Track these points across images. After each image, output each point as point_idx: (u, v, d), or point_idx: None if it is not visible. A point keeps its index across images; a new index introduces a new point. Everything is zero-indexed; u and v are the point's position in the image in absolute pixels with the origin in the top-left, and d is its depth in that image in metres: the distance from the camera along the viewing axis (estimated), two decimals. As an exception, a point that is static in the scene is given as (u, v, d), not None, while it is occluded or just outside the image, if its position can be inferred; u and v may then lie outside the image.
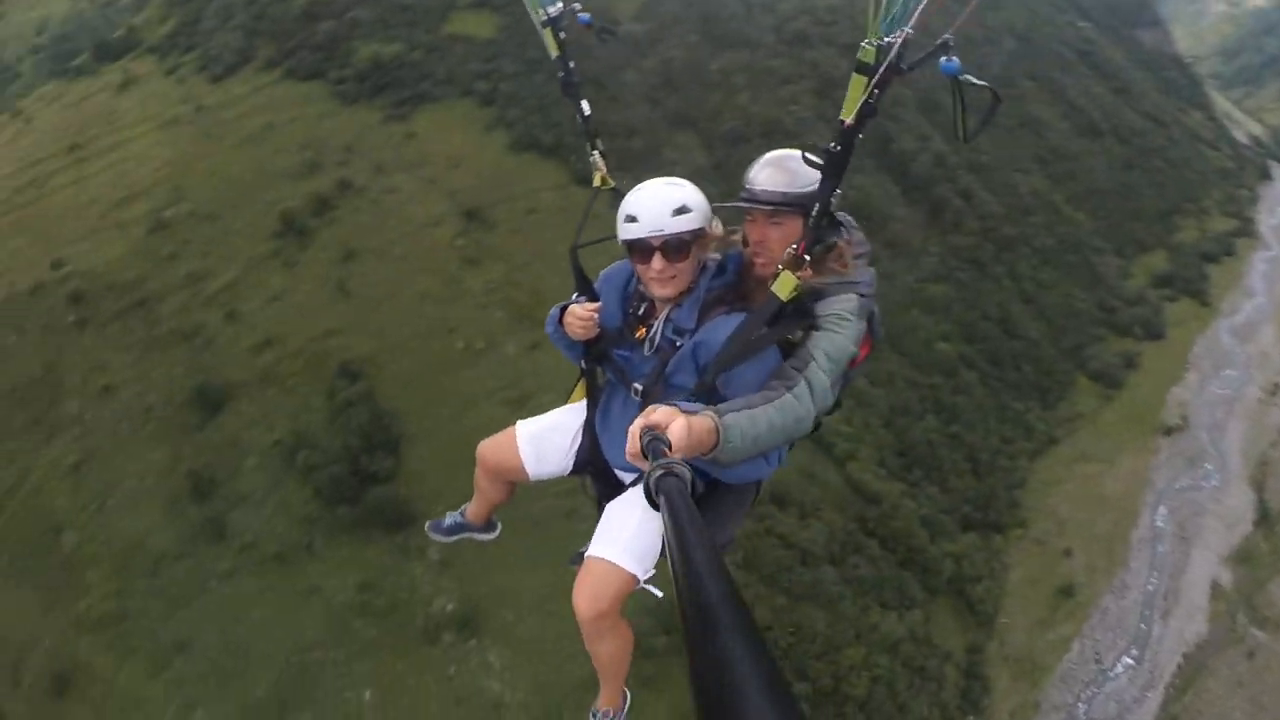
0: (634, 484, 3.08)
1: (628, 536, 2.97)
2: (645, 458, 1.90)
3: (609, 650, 3.21)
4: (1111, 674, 50.37)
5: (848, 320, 2.87)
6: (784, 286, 2.69)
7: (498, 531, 4.42)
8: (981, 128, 2.34)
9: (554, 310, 3.23)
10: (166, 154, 62.50)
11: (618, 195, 3.10)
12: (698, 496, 2.74)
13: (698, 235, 2.95)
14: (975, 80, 2.32)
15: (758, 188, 3.02)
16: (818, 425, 2.92)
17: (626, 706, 3.61)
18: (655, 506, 1.40)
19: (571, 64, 3.42)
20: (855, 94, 2.44)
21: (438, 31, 71.91)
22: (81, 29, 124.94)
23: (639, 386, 2.96)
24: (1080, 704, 48.72)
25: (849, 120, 2.45)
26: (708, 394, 2.82)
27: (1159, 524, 58.76)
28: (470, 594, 40.40)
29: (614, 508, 3.13)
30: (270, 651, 39.29)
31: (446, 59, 68.74)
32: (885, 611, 45.85)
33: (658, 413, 2.15)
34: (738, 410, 2.45)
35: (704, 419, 2.31)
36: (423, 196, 56.89)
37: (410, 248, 53.33)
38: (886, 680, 42.85)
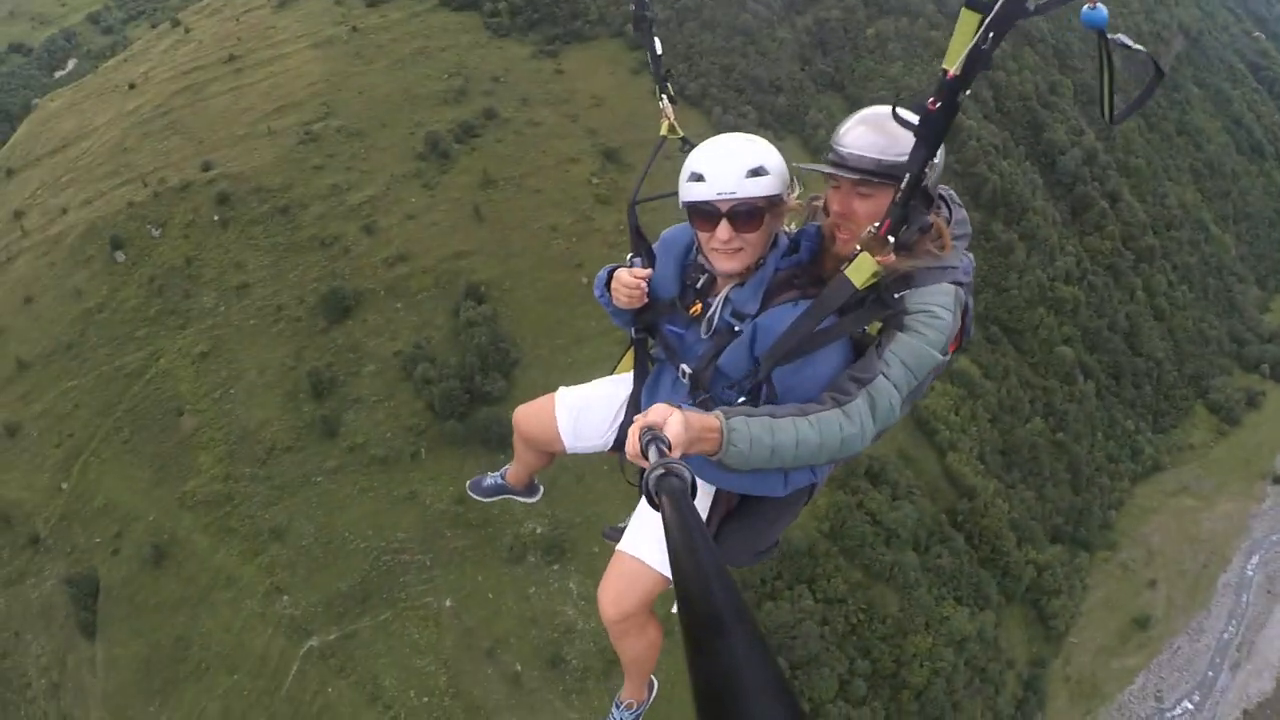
0: None
1: (660, 533, 2.71)
2: (645, 458, 1.81)
3: (634, 649, 2.96)
4: (1169, 715, 49.55)
5: (940, 318, 2.40)
6: (860, 271, 2.26)
7: (539, 494, 4.10)
8: (1134, 108, 1.83)
9: (602, 272, 2.89)
10: (320, 71, 65.38)
11: (687, 147, 2.69)
12: (741, 498, 2.69)
13: (773, 203, 2.48)
14: (1129, 43, 1.80)
15: (846, 149, 2.50)
16: None
17: (652, 697, 3.36)
18: (655, 507, 1.35)
19: (648, 1, 3.07)
20: (964, 36, 1.84)
21: None
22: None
23: (687, 369, 2.60)
24: (1133, 739, 48.19)
25: (953, 70, 1.87)
26: (757, 392, 2.51)
27: (1249, 573, 56.60)
28: (561, 520, 42.28)
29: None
30: (361, 549, 42.10)
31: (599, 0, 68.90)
32: (959, 607, 45.79)
33: (655, 411, 2.00)
34: (753, 415, 2.20)
35: (706, 417, 2.13)
36: (564, 132, 58.00)
37: (546, 181, 54.55)
38: (947, 675, 43.17)
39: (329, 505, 43.23)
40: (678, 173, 2.49)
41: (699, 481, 2.25)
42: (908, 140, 2.26)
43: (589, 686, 38.66)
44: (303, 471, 44.28)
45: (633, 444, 1.89)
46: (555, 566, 40.89)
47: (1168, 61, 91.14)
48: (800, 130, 62.96)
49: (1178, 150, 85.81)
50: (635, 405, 2.95)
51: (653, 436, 1.81)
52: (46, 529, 44.23)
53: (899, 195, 2.16)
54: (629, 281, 2.70)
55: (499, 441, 42.95)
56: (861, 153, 2.45)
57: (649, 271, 2.77)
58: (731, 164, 2.42)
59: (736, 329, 2.52)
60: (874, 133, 2.47)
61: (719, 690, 0.60)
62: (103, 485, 45.12)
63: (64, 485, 45.64)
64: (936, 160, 2.16)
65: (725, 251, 2.49)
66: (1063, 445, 57.68)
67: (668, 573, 2.46)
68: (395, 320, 49.03)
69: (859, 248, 2.27)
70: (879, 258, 2.25)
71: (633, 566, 2.74)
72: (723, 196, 2.42)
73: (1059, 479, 56.11)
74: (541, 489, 4.07)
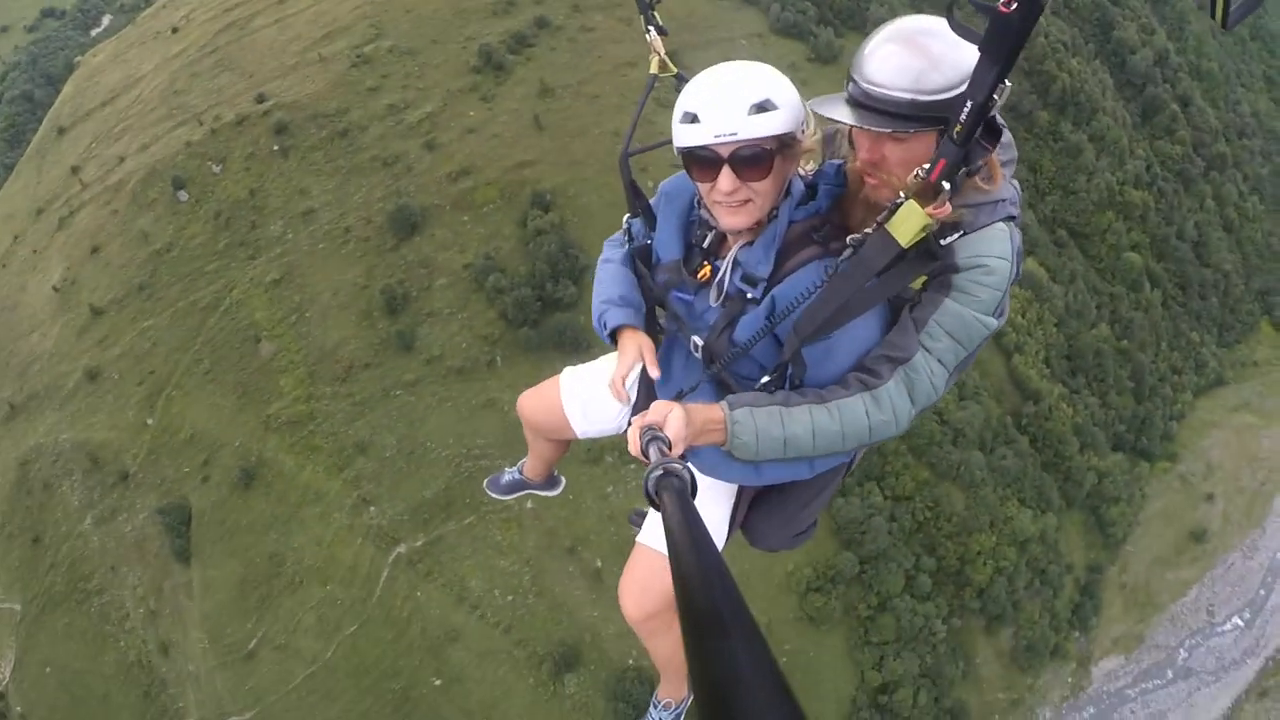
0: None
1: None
2: (646, 457, 1.73)
3: (665, 648, 2.69)
4: (1219, 630, 50.11)
5: (994, 273, 2.02)
6: (907, 226, 1.84)
7: (561, 486, 3.86)
8: (1249, 11, 1.43)
9: (604, 307, 2.48)
10: None
11: (682, 85, 2.26)
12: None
13: (784, 143, 2.09)
14: None
15: (871, 86, 1.95)
16: None
17: (691, 697, 3.00)
18: (655, 507, 1.32)
19: None
20: None
21: None
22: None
23: (698, 341, 2.28)
24: (1182, 650, 49.09)
25: None
26: (783, 369, 2.18)
27: None
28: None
29: None
30: (444, 456, 43.30)
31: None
32: (1022, 508, 46.33)
33: (654, 409, 1.88)
34: (759, 405, 2.00)
35: (709, 408, 1.99)
36: (619, 36, 56.72)
37: (605, 86, 53.81)
38: (1009, 574, 44.10)
39: (409, 417, 44.53)
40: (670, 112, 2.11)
41: (720, 473, 2.31)
42: (954, 62, 1.85)
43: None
44: (382, 386, 45.49)
45: (634, 444, 1.80)
46: (631, 465, 41.63)
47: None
48: (862, 27, 60.70)
49: (1251, 55, 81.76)
50: (648, 384, 2.54)
51: (653, 436, 1.74)
52: (135, 464, 45.83)
53: (958, 131, 1.68)
54: (615, 380, 2.28)
55: (573, 345, 43.92)
56: (889, 90, 1.91)
57: (636, 368, 2.32)
58: (730, 99, 2.01)
59: (750, 295, 2.17)
60: (907, 54, 1.92)
61: (720, 690, 0.60)
62: (188, 417, 46.77)
63: (149, 421, 47.15)
64: (1007, 83, 1.61)
65: (730, 205, 2.11)
66: (1127, 353, 57.07)
67: None
68: (463, 234, 49.62)
69: (902, 196, 1.82)
70: (931, 209, 1.80)
71: (655, 561, 2.50)
72: (721, 139, 2.01)
73: (1122, 387, 55.73)
74: (563, 480, 3.86)
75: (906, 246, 1.85)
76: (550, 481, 3.81)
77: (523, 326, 45.81)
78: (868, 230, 1.93)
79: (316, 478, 43.11)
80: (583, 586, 40.67)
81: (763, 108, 2.00)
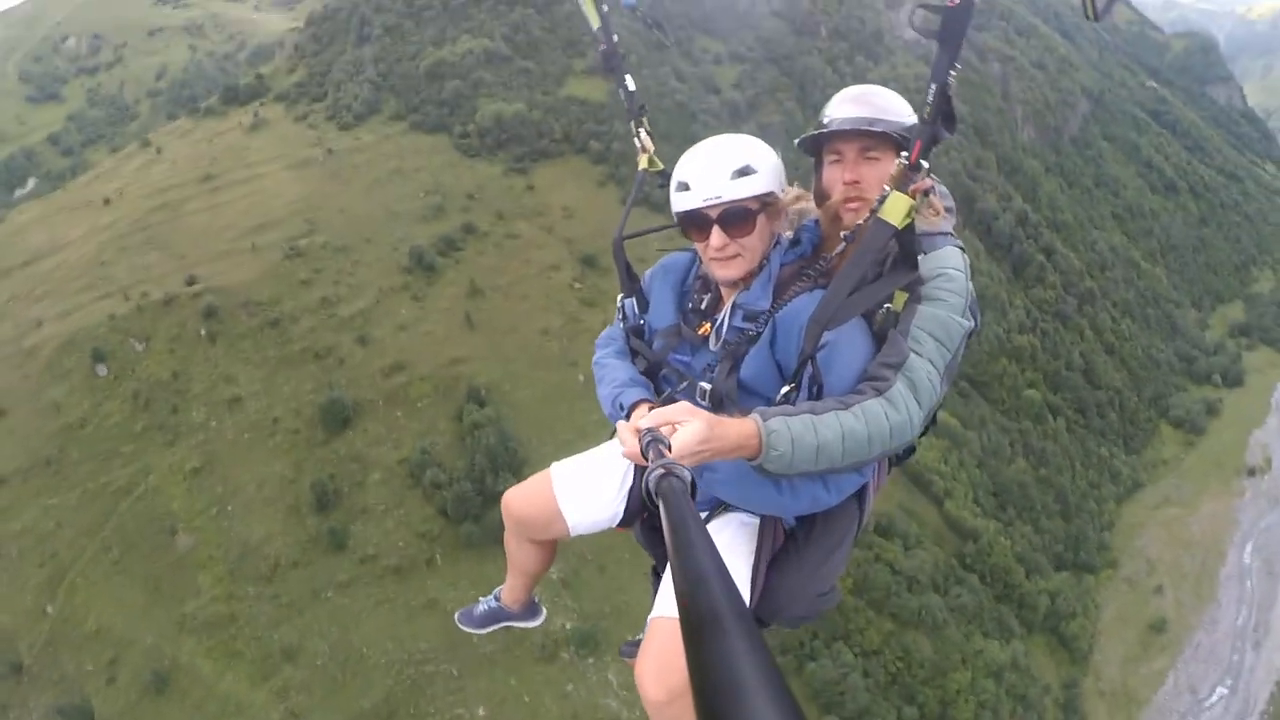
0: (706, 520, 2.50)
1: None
2: (645, 458, 1.72)
3: None
4: (1207, 704, 51.40)
5: (954, 279, 2.34)
6: (896, 209, 2.09)
7: (542, 617, 3.58)
8: (1110, 5, 1.83)
9: (613, 391, 2.53)
10: (298, 190, 67.49)
11: (668, 180, 2.54)
12: (790, 532, 2.43)
13: (766, 202, 2.35)
14: None
15: (839, 120, 2.45)
16: (910, 450, 2.43)
17: None
18: (654, 507, 1.30)
19: (615, 37, 2.96)
20: None
21: (555, 93, 77.68)
22: (199, 77, 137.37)
23: (706, 386, 2.35)
24: (1178, 733, 49.54)
25: None
26: (797, 389, 2.25)
27: (1246, 560, 60.18)
28: (590, 613, 41.70)
29: None
30: (382, 663, 40.31)
31: (563, 118, 74.01)
32: (988, 640, 46.94)
33: (676, 409, 1.91)
34: (793, 414, 2.05)
35: (741, 421, 1.98)
36: (542, 242, 61.02)
37: (532, 288, 56.99)
38: (992, 705, 43.81)
39: (343, 621, 41.73)
40: (659, 207, 2.44)
41: (741, 521, 2.38)
42: (896, 110, 2.42)
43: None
44: (312, 587, 42.88)
45: (632, 445, 1.83)
46: (590, 660, 40.28)
47: (1077, 122, 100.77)
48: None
49: (1098, 200, 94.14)
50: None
51: (653, 438, 1.75)
52: (30, 656, 41.64)
53: (928, 111, 2.00)
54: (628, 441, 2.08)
55: None
56: (859, 117, 2.42)
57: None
58: (715, 167, 2.29)
59: (752, 332, 2.33)
60: (860, 106, 2.45)
61: (721, 690, 0.61)
62: (93, 608, 43.06)
63: (49, 609, 43.35)
64: (957, 67, 1.96)
65: (722, 259, 2.35)
66: (1047, 480, 60.61)
67: None
68: (397, 428, 49.29)
69: (887, 189, 2.09)
70: (915, 186, 2.08)
71: (674, 630, 2.30)
72: (709, 202, 2.28)
73: (1050, 511, 58.75)
74: (544, 611, 3.55)
75: (900, 225, 2.08)
76: (531, 610, 3.49)
77: (464, 522, 44.61)
78: (860, 224, 2.20)
79: (238, 686, 39.43)
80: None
81: (744, 172, 2.27)
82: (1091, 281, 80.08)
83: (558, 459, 2.78)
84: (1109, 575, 57.93)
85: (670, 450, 1.74)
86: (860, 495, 2.40)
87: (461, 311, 55.24)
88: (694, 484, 1.38)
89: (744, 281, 2.40)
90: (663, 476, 1.36)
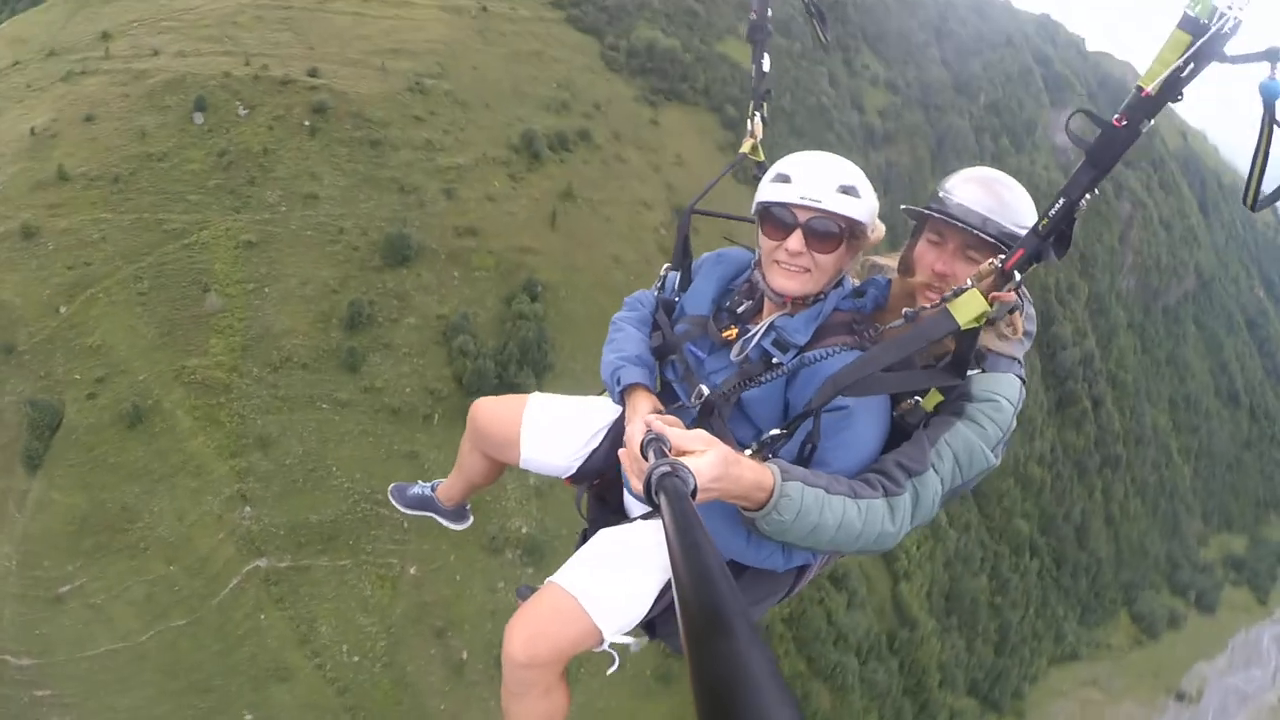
0: (644, 518, 2.44)
1: (611, 578, 2.26)
2: (645, 459, 1.68)
3: (528, 715, 2.29)
4: None
5: (1003, 411, 2.18)
6: (968, 308, 1.93)
7: (469, 522, 3.56)
8: (1273, 199, 1.62)
9: (620, 362, 2.44)
10: (442, 33, 66.93)
11: (763, 172, 2.45)
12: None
13: (854, 231, 2.25)
14: None
15: (956, 201, 2.28)
16: None
17: None
18: (654, 506, 1.29)
19: (770, 11, 2.89)
20: (1170, 56, 1.63)
21: (712, 45, 76.45)
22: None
23: (704, 390, 2.26)
24: None
25: (1149, 89, 1.66)
26: (794, 432, 2.12)
27: None
28: (549, 528, 42.39)
29: (608, 536, 2.42)
30: (345, 487, 41.08)
31: (709, 71, 73.00)
32: None
33: (695, 436, 1.78)
34: (810, 484, 1.94)
35: (760, 469, 1.88)
36: (645, 176, 60.75)
37: (620, 213, 56.95)
38: None
39: (326, 434, 42.35)
40: (742, 196, 2.27)
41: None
42: (1019, 210, 2.24)
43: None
44: (311, 392, 43.57)
45: (633, 444, 1.78)
46: (530, 569, 40.91)
47: (1176, 294, 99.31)
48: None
49: (1163, 377, 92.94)
50: (619, 429, 2.55)
51: (654, 437, 1.71)
52: (27, 345, 41.69)
53: (1043, 224, 1.87)
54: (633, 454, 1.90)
55: None
56: (971, 208, 2.25)
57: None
58: (824, 173, 2.21)
59: (775, 360, 2.22)
60: (985, 194, 2.29)
61: (721, 690, 0.61)
62: (102, 326, 43.21)
63: (62, 309, 43.44)
64: (1092, 194, 1.83)
65: (790, 268, 2.22)
66: (998, 609, 61.21)
67: (605, 625, 2.15)
68: (448, 286, 49.86)
69: (969, 283, 1.96)
70: (997, 294, 1.95)
71: (564, 604, 2.20)
72: (806, 202, 2.17)
73: (988, 637, 59.39)
74: (471, 518, 3.53)
75: (963, 326, 1.93)
76: (459, 513, 3.52)
77: (475, 395, 45.20)
78: (924, 307, 2.07)
79: (205, 451, 40.14)
80: (439, 674, 38.56)
81: (848, 191, 2.18)
82: (1123, 449, 79.71)
83: (582, 378, 2.91)
84: (1012, 721, 58.80)
85: (671, 451, 1.69)
86: (800, 571, 2.33)
87: (549, 206, 55.38)
88: (695, 490, 1.37)
89: (793, 305, 2.28)
90: (666, 475, 1.33)
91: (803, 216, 2.19)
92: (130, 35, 60.40)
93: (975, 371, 2.18)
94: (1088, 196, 1.80)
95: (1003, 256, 1.95)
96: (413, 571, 40.52)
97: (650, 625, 2.38)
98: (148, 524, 37.60)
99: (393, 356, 46.36)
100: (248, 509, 39.48)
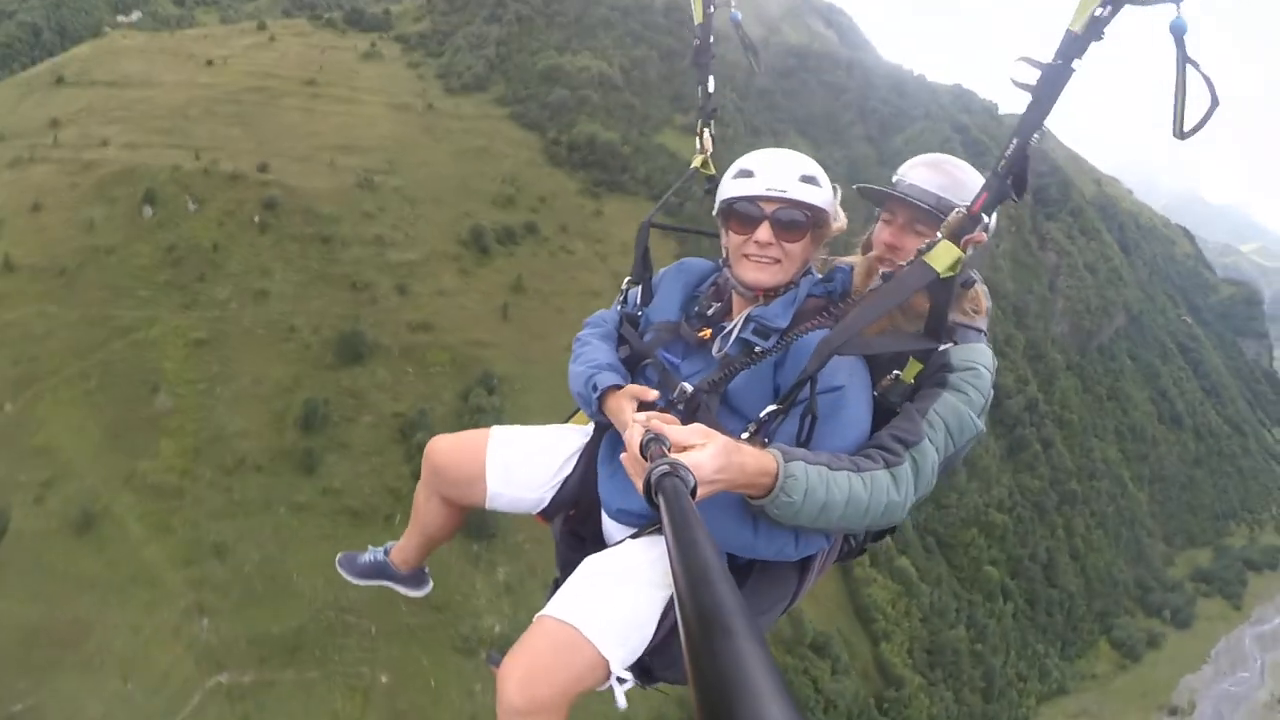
0: (633, 538, 2.28)
1: (609, 599, 2.06)
2: (645, 459, 1.65)
3: None
4: None
5: (983, 377, 2.25)
6: (943, 257, 1.97)
7: (428, 588, 3.26)
8: (1199, 128, 1.65)
9: (594, 371, 2.35)
10: (390, 129, 69.88)
11: (714, 185, 2.53)
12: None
13: (818, 220, 2.27)
14: (1198, 65, 1.69)
15: (908, 183, 2.44)
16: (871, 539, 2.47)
17: None
18: (654, 506, 1.26)
19: (712, 38, 2.95)
20: (1090, 1, 1.73)
21: (651, 137, 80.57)
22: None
23: (688, 387, 2.18)
24: None
25: (1077, 29, 1.74)
26: (790, 407, 2.09)
27: None
28: (524, 624, 41.17)
29: (595, 560, 2.23)
30: (306, 595, 39.15)
31: (648, 162, 76.45)
32: None
33: (692, 431, 1.76)
34: (813, 462, 1.93)
35: (762, 454, 1.85)
36: (593, 265, 62.66)
37: (570, 304, 57.95)
38: None
39: (284, 540, 40.69)
40: (693, 208, 2.22)
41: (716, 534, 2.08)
42: (968, 186, 2.32)
43: None
44: (267, 496, 42.26)
45: (632, 443, 1.73)
46: (506, 666, 40.35)
47: (1108, 333, 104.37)
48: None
49: (1107, 411, 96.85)
50: (591, 459, 2.48)
51: (654, 436, 1.68)
52: None
53: (1003, 165, 1.91)
54: (633, 455, 1.81)
55: (480, 532, 42.14)
56: (924, 187, 2.41)
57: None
58: (786, 165, 2.25)
59: (759, 349, 2.21)
60: (937, 174, 2.44)
61: (722, 690, 0.60)
62: (49, 425, 42.21)
63: (7, 406, 42.68)
64: (1042, 130, 1.85)
65: (760, 260, 2.25)
66: (980, 656, 61.44)
67: (611, 653, 1.97)
68: (404, 382, 49.75)
69: (940, 234, 2.01)
70: (970, 237, 1.99)
71: (561, 635, 1.99)
72: (772, 193, 2.21)
73: (975, 686, 59.37)
74: (431, 582, 3.22)
75: (942, 274, 1.97)
76: (418, 578, 3.19)
77: (434, 495, 45.32)
78: (901, 265, 2.12)
79: (159, 560, 38.48)
80: (421, 786, 36.21)
81: (810, 180, 2.23)
82: (1078, 485, 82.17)
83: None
84: (1008, 770, 58.70)
85: (671, 450, 1.67)
86: (804, 568, 2.26)
87: (501, 300, 56.56)
88: (695, 488, 1.36)
89: (765, 297, 2.31)
90: (665, 474, 1.33)
91: (769, 208, 2.23)
92: (80, 124, 61.62)
93: (949, 345, 2.28)
94: (1037, 135, 1.87)
95: (968, 202, 2.00)
96: (384, 680, 38.39)
97: (646, 669, 2.15)
98: (102, 638, 35.77)
99: (350, 456, 45.57)
100: (205, 621, 37.73)
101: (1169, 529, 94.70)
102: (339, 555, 3.25)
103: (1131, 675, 72.79)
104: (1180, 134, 1.70)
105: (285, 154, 61.78)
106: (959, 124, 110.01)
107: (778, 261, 2.25)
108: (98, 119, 62.43)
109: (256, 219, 55.25)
